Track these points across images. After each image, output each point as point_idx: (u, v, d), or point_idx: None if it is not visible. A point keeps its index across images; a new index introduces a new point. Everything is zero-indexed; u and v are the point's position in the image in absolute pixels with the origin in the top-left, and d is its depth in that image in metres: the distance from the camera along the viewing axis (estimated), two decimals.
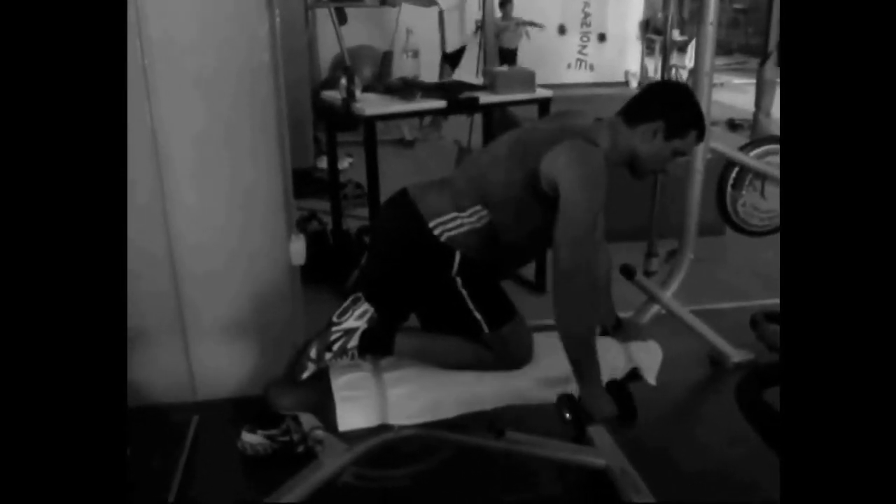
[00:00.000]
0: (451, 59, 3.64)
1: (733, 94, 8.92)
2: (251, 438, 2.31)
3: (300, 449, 2.25)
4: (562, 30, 9.15)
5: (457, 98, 3.19)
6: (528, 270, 3.47)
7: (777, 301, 3.18)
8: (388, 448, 1.96)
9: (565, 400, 1.83)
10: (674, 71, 8.78)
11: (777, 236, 3.00)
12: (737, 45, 12.39)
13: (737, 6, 12.65)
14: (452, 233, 1.88)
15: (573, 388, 1.98)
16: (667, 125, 1.94)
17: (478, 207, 1.90)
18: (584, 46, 9.69)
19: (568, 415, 1.81)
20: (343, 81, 3.15)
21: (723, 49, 12.05)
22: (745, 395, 1.42)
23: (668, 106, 1.97)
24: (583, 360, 1.83)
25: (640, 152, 1.96)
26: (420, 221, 1.89)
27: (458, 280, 1.87)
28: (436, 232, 1.87)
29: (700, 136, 2.02)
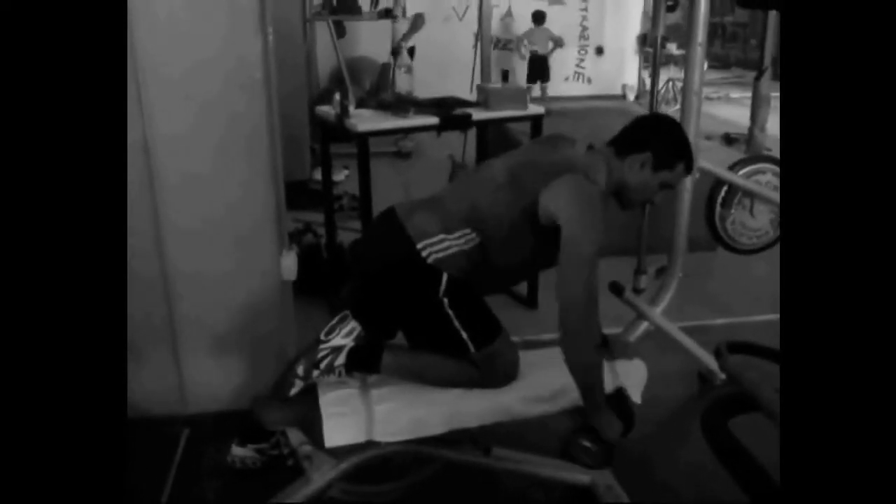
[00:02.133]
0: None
1: (730, 108, 8.97)
2: (241, 452, 2.31)
3: (290, 463, 2.26)
4: (559, 43, 9.19)
5: (450, 114, 3.21)
6: (521, 286, 3.49)
7: (765, 317, 3.20)
8: (375, 464, 1.98)
9: (589, 431, 1.93)
10: (671, 84, 8.83)
11: (768, 253, 3.07)
12: (734, 59, 12.44)
13: (736, 20, 12.70)
14: (440, 255, 1.89)
15: (559, 405, 2.01)
16: (655, 157, 1.97)
17: (466, 230, 1.92)
18: (582, 60, 9.74)
19: (589, 444, 1.92)
20: (336, 97, 3.18)
21: (721, 63, 12.10)
22: (710, 425, 1.44)
23: (656, 138, 2.01)
24: (592, 389, 1.90)
25: (628, 183, 2.00)
26: (408, 243, 1.91)
27: (445, 301, 1.88)
28: (423, 254, 1.89)
29: (688, 169, 2.06)
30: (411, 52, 3.64)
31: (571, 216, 1.84)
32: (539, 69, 8.92)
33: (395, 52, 3.55)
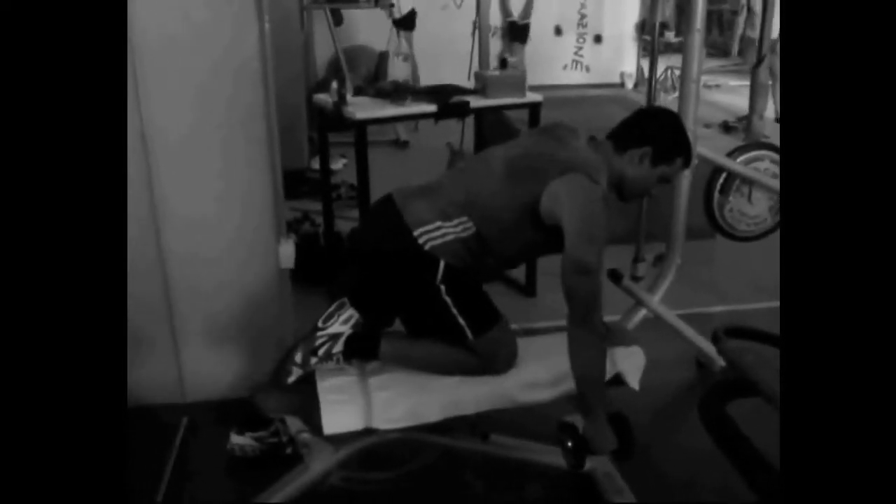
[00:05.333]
0: (404, 24, 3.63)
1: (729, 96, 8.95)
2: (240, 440, 2.32)
3: (288, 451, 2.27)
4: (558, 31, 9.15)
5: (447, 102, 3.20)
6: (519, 273, 3.49)
7: (764, 305, 3.20)
8: (373, 451, 1.99)
9: (568, 430, 1.89)
10: (669, 72, 8.80)
11: (766, 240, 3.07)
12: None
13: (734, 8, 12.64)
14: (437, 242, 1.90)
15: (557, 392, 2.02)
16: (654, 151, 1.98)
17: (464, 218, 1.92)
18: (580, 48, 9.70)
19: (570, 444, 1.88)
20: (334, 85, 3.17)
21: (719, 50, 12.07)
22: (707, 409, 1.45)
23: (656, 132, 2.02)
24: (591, 394, 1.88)
25: (627, 177, 2.00)
26: (405, 230, 1.91)
27: (443, 288, 1.89)
28: (420, 241, 1.89)
29: (686, 163, 2.07)
30: None
31: (573, 220, 1.83)
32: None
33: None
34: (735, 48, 10.29)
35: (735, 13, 11.56)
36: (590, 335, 1.84)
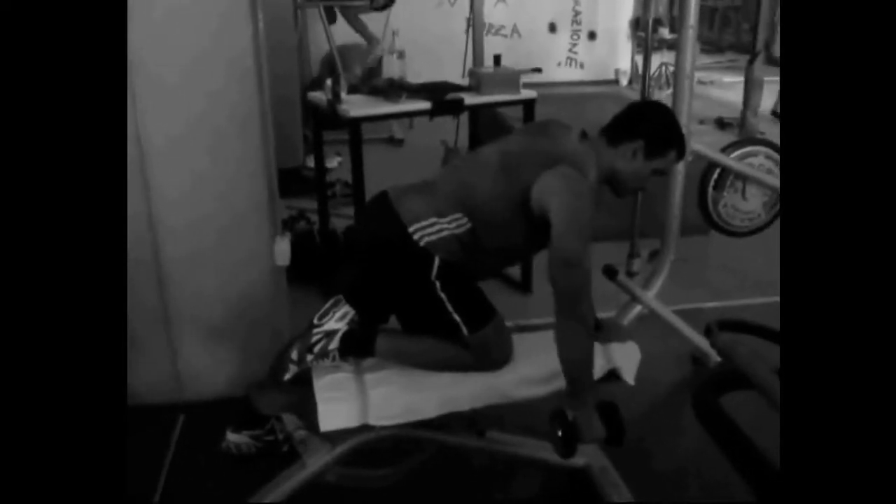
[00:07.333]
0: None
1: (723, 92, 8.97)
2: (236, 438, 2.32)
3: (285, 448, 2.27)
4: (552, 28, 9.15)
5: (442, 99, 3.21)
6: (515, 270, 3.50)
7: (759, 300, 3.22)
8: (370, 448, 1.99)
9: (558, 418, 1.87)
10: (664, 68, 8.81)
11: (760, 236, 3.08)
12: (727, 44, 12.41)
13: (729, 4, 12.66)
14: (432, 238, 1.90)
15: (553, 388, 2.02)
16: (647, 144, 1.98)
17: (458, 215, 1.93)
18: (575, 45, 9.70)
19: (560, 433, 1.86)
20: (328, 83, 3.17)
21: (714, 47, 12.10)
22: (701, 402, 1.45)
23: (648, 125, 2.01)
24: (579, 382, 1.86)
25: (620, 171, 2.00)
26: (400, 226, 1.91)
27: (438, 284, 1.89)
28: (415, 237, 1.89)
29: (680, 156, 2.07)
30: None
31: (560, 212, 1.84)
32: None
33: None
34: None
35: (737, 9, 11.64)
36: (576, 324, 1.83)
